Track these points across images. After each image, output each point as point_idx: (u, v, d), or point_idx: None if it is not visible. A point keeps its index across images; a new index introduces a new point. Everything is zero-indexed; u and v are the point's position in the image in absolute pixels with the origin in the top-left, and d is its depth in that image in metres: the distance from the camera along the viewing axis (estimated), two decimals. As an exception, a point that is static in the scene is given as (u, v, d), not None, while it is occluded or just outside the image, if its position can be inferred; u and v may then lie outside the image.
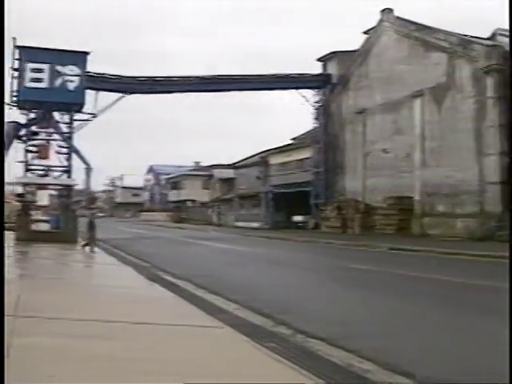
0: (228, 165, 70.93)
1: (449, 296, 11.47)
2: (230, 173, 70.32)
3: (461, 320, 8.87)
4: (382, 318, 9.21)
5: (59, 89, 26.99)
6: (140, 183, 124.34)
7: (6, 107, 25.93)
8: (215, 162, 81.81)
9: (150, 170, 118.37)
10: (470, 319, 8.91)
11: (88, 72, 28.77)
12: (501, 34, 33.30)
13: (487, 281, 13.58)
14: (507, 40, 33.07)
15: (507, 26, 34.76)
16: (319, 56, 46.19)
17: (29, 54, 27.12)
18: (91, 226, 20.26)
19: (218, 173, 77.16)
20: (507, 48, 30.80)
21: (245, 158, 66.29)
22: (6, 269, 9.81)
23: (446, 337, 7.73)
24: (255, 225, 54.97)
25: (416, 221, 34.97)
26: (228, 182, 71.88)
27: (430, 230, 33.26)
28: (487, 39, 33.24)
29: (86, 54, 27.71)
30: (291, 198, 49.65)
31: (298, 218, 48.66)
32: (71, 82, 27.20)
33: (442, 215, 33.02)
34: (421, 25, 36.12)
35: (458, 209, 31.91)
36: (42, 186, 27.18)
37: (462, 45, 32.64)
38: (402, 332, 8.03)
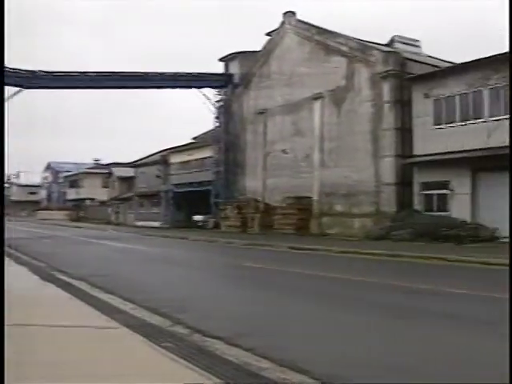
0: (128, 163, 69.32)
1: (337, 293, 11.70)
2: (129, 171, 68.71)
3: (351, 317, 8.94)
4: (277, 315, 9.17)
5: None
6: (37, 181, 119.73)
7: None
8: (115, 161, 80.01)
9: (48, 167, 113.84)
10: (363, 317, 8.93)
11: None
12: (398, 41, 34.17)
13: (376, 278, 13.95)
14: (404, 47, 34.00)
15: (407, 34, 36.08)
16: (221, 56, 45.93)
17: None
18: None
19: (117, 171, 75.43)
20: (404, 54, 31.57)
21: (145, 156, 65.03)
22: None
23: (339, 333, 7.83)
24: (155, 224, 54.03)
25: (315, 220, 35.22)
26: (128, 180, 70.32)
27: (329, 230, 33.56)
28: (385, 45, 33.95)
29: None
30: (192, 197, 49.08)
31: (198, 218, 48.03)
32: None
33: (339, 215, 33.39)
34: (322, 29, 36.39)
35: (355, 209, 32.37)
36: None
37: (361, 50, 33.11)
38: (295, 329, 8.03)
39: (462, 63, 28.49)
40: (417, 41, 35.51)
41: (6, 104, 28.31)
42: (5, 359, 4.57)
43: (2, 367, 4.28)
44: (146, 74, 40.99)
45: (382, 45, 33.97)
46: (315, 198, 35.51)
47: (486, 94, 26.38)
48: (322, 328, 8.11)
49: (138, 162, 65.58)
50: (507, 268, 16.20)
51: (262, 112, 40.97)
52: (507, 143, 24.70)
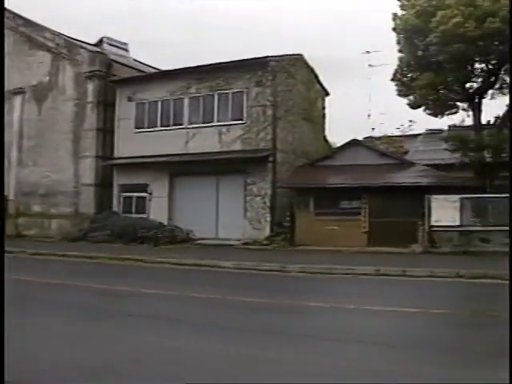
0: None
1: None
2: None
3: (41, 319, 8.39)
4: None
5: None
6: None
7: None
8: None
9: None
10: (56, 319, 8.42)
11: None
12: (106, 42, 33.09)
13: (69, 280, 13.44)
14: (112, 48, 33.01)
15: (114, 36, 35.13)
16: None
17: None
18: None
19: None
20: (111, 56, 30.59)
21: None
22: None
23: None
24: None
25: (11, 221, 32.17)
26: None
27: (26, 231, 30.88)
28: (94, 45, 32.61)
29: None
30: None
31: None
32: None
33: (37, 216, 30.93)
34: (28, 20, 33.58)
35: (54, 209, 30.26)
36: None
37: (68, 47, 31.21)
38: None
39: (165, 70, 28.58)
40: (125, 44, 34.76)
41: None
42: (5, 359, 4.53)
43: (2, 367, 4.33)
44: None
45: (91, 44, 32.53)
46: (11, 197, 32.49)
47: (186, 101, 26.66)
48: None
49: None
50: (198, 268, 16.63)
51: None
52: (203, 150, 25.36)
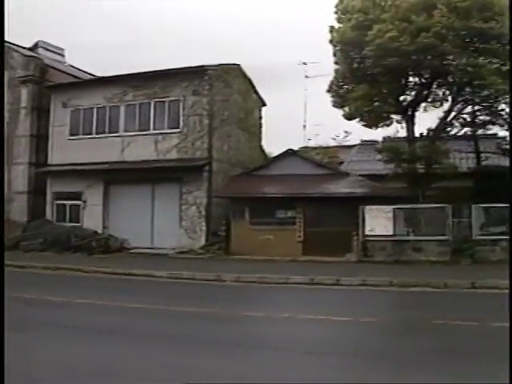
0: None
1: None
2: None
3: None
4: None
5: None
6: None
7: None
8: None
9: None
10: None
11: None
12: (42, 47, 32.10)
13: None
14: (47, 53, 32.05)
15: (49, 40, 34.08)
16: None
17: None
18: None
19: None
20: (46, 61, 29.68)
21: None
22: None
23: None
24: None
25: None
26: None
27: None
28: (29, 49, 31.55)
29: None
30: None
31: None
32: None
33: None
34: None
35: (-16, 218, 29.05)
36: None
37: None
38: None
39: (101, 77, 27.93)
40: (61, 49, 33.79)
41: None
42: (5, 360, 4.67)
43: (2, 367, 4.49)
44: None
45: (26, 48, 31.45)
46: None
47: (122, 109, 26.08)
48: None
49: None
50: (133, 277, 16.26)
51: None
52: (139, 158, 24.87)
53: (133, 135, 25.57)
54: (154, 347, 7.59)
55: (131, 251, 24.03)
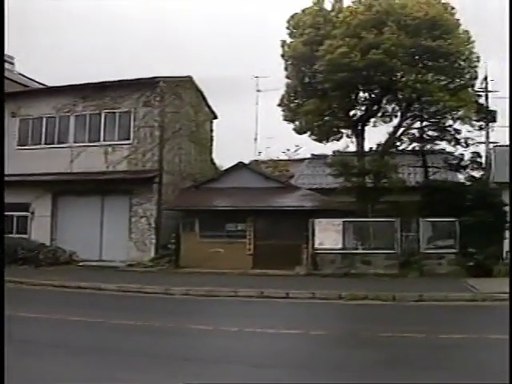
0: None
1: None
2: None
3: None
4: None
5: None
6: None
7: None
8: None
9: None
10: None
11: None
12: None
13: None
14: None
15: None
16: None
17: None
18: None
19: None
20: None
21: None
22: None
23: None
24: None
25: None
26: None
27: None
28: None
29: None
30: None
31: None
32: None
33: None
34: None
35: None
36: None
37: None
38: None
39: (51, 87, 27.38)
40: (11, 57, 32.92)
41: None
42: (5, 360, 4.57)
43: (2, 367, 4.37)
44: None
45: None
46: None
47: (72, 119, 25.53)
48: None
49: None
50: (80, 290, 15.78)
51: None
52: (89, 169, 24.35)
53: (82, 146, 25.02)
54: (89, 360, 7.33)
55: (80, 264, 23.36)
